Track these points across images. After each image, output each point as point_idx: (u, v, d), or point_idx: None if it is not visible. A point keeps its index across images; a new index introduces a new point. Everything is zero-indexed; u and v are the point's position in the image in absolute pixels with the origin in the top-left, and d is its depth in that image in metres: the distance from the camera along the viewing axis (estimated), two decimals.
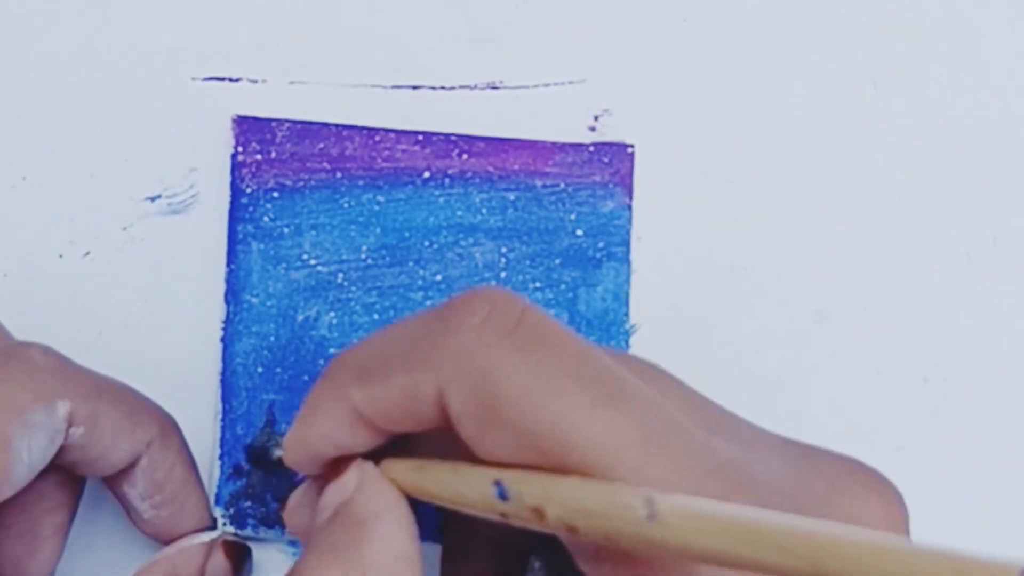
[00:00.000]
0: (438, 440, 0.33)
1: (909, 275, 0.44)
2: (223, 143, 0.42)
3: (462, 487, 0.31)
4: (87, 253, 0.42)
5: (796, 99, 0.44)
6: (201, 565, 0.39)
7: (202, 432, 0.41)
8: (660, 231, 0.44)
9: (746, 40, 0.45)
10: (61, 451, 0.36)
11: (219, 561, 0.40)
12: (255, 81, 0.43)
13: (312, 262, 0.41)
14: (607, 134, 0.43)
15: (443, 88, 0.44)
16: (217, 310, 0.42)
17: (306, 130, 0.42)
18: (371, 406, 0.32)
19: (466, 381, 0.30)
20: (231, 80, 0.43)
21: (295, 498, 0.36)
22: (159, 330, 0.42)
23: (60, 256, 0.42)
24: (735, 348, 0.43)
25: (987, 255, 0.44)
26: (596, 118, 0.44)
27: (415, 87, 0.44)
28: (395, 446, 0.34)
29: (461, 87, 0.44)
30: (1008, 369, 0.43)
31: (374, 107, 0.43)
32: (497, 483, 0.30)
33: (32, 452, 0.35)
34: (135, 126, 0.43)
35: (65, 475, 0.38)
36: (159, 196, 0.43)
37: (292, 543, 0.41)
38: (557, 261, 0.42)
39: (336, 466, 0.34)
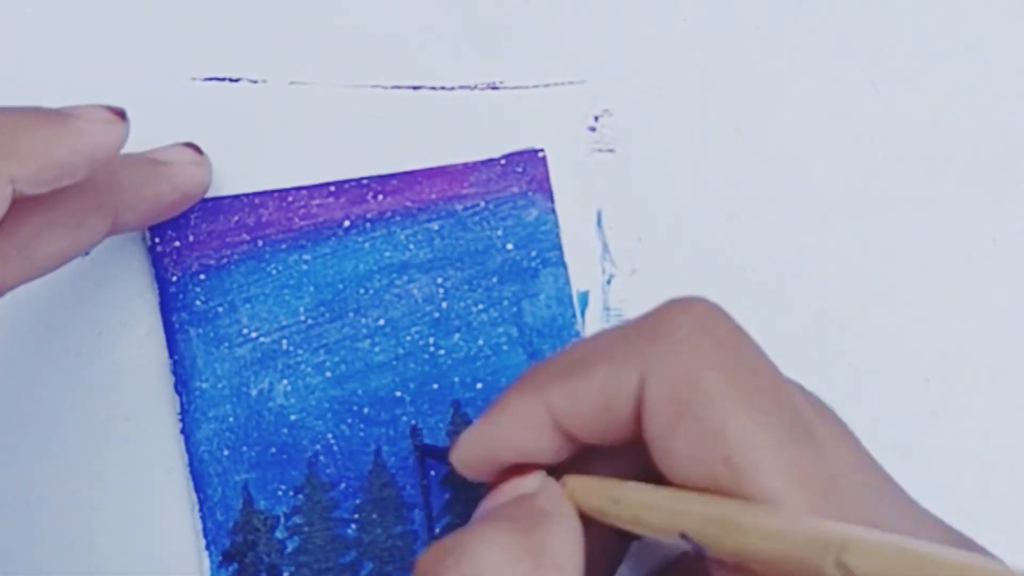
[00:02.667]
0: (615, 458, 0.33)
1: (909, 275, 0.44)
2: (223, 143, 0.42)
3: (648, 525, 0.31)
4: (87, 253, 0.42)
5: (796, 99, 0.44)
6: None
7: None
8: (660, 231, 0.44)
9: (746, 40, 0.44)
10: None
11: None
12: (255, 81, 0.43)
13: (253, 335, 0.41)
14: (606, 135, 0.43)
15: (443, 88, 0.43)
16: (169, 404, 0.41)
17: (217, 206, 0.41)
18: (570, 405, 0.33)
19: (669, 371, 0.31)
20: (231, 80, 0.43)
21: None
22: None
23: None
24: None
25: (987, 255, 0.44)
26: (596, 118, 0.44)
27: (415, 87, 0.43)
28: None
29: (461, 87, 0.43)
30: (1008, 369, 0.44)
31: (374, 107, 0.43)
32: (684, 536, 0.30)
33: None
34: (135, 126, 0.42)
35: None
36: None
37: None
38: (494, 279, 0.42)
39: (510, 473, 0.34)
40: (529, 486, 0.34)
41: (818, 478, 0.30)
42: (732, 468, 0.30)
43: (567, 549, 0.32)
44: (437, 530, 0.41)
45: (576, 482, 0.34)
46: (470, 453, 0.35)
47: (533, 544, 0.31)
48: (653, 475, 0.32)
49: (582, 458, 0.35)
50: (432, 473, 0.41)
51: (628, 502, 0.32)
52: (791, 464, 0.30)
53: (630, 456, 0.34)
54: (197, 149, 0.40)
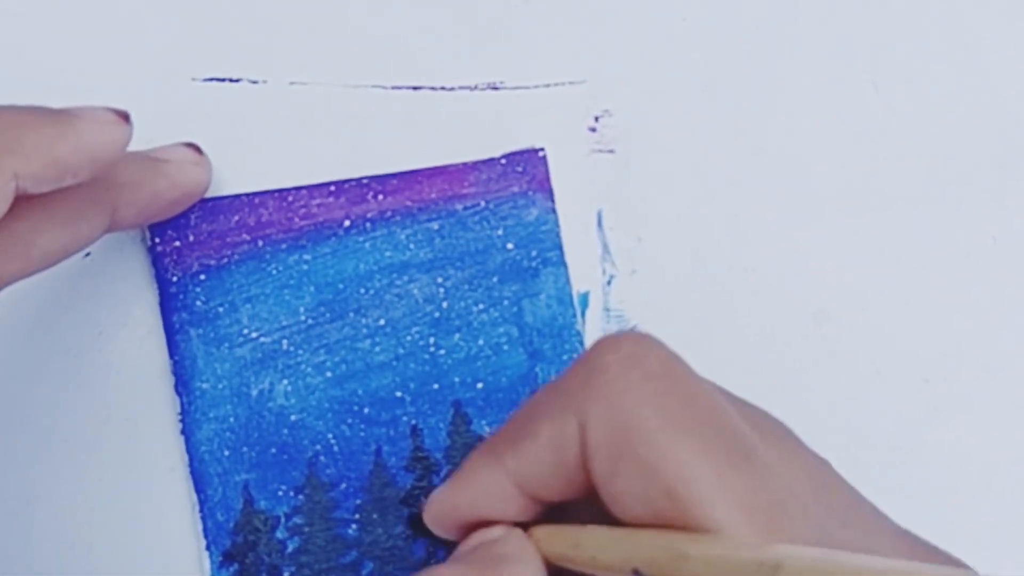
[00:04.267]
0: (582, 511, 0.33)
1: (909, 275, 0.44)
2: (223, 143, 0.42)
3: (605, 564, 0.32)
4: (87, 253, 0.42)
5: (796, 99, 0.44)
6: None
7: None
8: (660, 231, 0.44)
9: (746, 40, 0.44)
10: None
11: None
12: (255, 81, 0.43)
13: (254, 335, 0.41)
14: (607, 135, 0.43)
15: (443, 88, 0.43)
16: (170, 404, 0.41)
17: (217, 206, 0.41)
18: (524, 466, 0.33)
19: (604, 415, 0.31)
20: (231, 80, 0.43)
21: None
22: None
23: None
24: (735, 348, 0.43)
25: (987, 255, 0.44)
26: (596, 118, 0.44)
27: (415, 87, 0.43)
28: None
29: (461, 87, 0.43)
30: (1008, 369, 0.43)
31: (374, 107, 0.43)
32: (636, 572, 0.30)
33: None
34: (136, 126, 0.42)
35: None
36: None
37: None
38: (495, 279, 0.42)
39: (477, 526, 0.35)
40: (494, 533, 0.35)
41: (760, 502, 0.30)
42: (674, 501, 0.30)
43: None
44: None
45: (542, 531, 0.34)
46: (439, 516, 0.36)
47: None
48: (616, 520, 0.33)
49: (553, 514, 0.35)
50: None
51: (585, 545, 0.33)
52: (732, 491, 0.30)
53: (596, 507, 0.34)
54: (197, 149, 0.40)
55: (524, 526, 0.35)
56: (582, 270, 0.43)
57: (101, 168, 0.34)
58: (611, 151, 0.44)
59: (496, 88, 0.44)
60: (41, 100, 0.41)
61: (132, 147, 0.40)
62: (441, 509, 0.36)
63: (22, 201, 0.34)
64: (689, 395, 0.31)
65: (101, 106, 0.35)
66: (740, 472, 0.30)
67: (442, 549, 0.40)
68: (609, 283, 0.43)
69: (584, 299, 0.43)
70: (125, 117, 0.35)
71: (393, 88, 0.43)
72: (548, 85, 0.44)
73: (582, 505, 0.34)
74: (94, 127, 0.34)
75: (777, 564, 0.27)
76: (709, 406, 0.31)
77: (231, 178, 0.42)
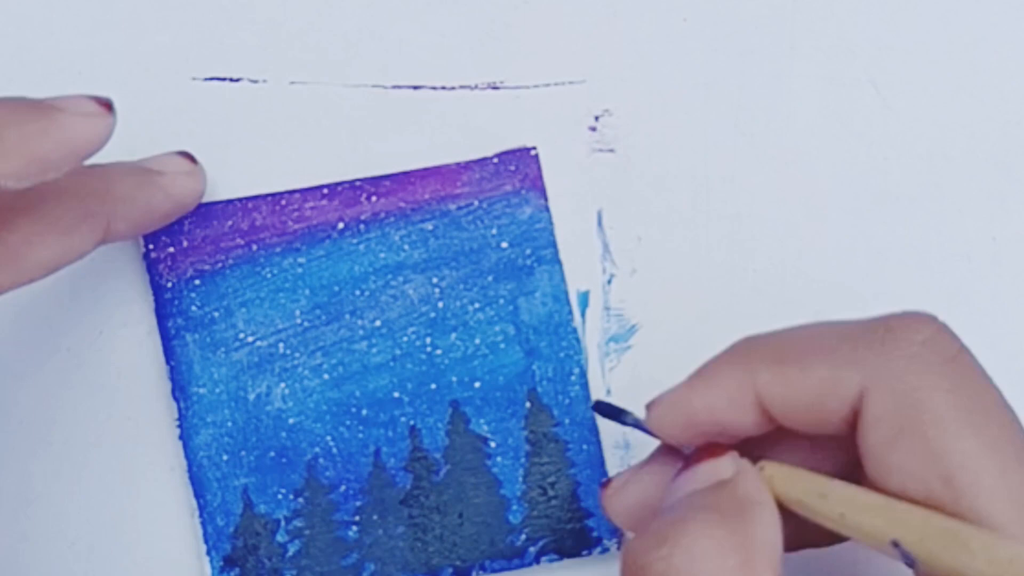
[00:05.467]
0: (817, 450, 0.34)
1: (909, 275, 0.43)
2: (223, 143, 0.42)
3: (857, 527, 0.32)
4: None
5: (796, 99, 0.44)
6: None
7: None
8: (660, 230, 0.43)
9: (746, 40, 0.44)
10: None
11: None
12: (255, 81, 0.43)
13: (250, 339, 0.41)
14: (607, 135, 0.43)
15: (443, 88, 0.43)
16: (168, 409, 0.41)
17: (211, 211, 0.41)
18: (780, 390, 0.33)
19: (895, 388, 0.31)
20: (231, 80, 0.43)
21: (619, 482, 0.37)
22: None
23: None
24: None
25: (987, 255, 0.44)
26: (596, 118, 0.44)
27: (415, 87, 0.43)
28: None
29: (461, 87, 0.44)
30: (1008, 369, 0.43)
31: (374, 107, 0.43)
32: (895, 544, 0.30)
33: None
34: (135, 126, 0.42)
35: None
36: None
37: None
38: (490, 278, 0.42)
39: (703, 453, 0.34)
40: (726, 471, 0.34)
41: None
42: (953, 489, 0.30)
43: (772, 539, 0.32)
44: None
45: (775, 469, 0.34)
46: (667, 415, 0.35)
47: (741, 536, 0.31)
48: (852, 474, 0.33)
49: (777, 438, 0.35)
50: None
51: (836, 499, 0.32)
52: (1014, 491, 0.30)
53: (829, 449, 0.34)
54: (191, 158, 0.40)
55: (745, 448, 0.35)
56: (582, 269, 0.43)
57: (84, 159, 0.34)
58: (611, 151, 0.44)
59: (496, 88, 0.44)
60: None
61: (132, 147, 0.41)
62: (671, 407, 0.35)
63: (14, 210, 0.34)
64: (981, 389, 0.32)
65: (84, 95, 0.34)
66: (1022, 472, 0.30)
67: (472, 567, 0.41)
68: (609, 282, 0.43)
69: (584, 298, 0.43)
70: (108, 106, 0.34)
71: (393, 88, 0.44)
72: (548, 85, 0.44)
73: (813, 442, 0.34)
74: (76, 120, 0.33)
75: None
76: (998, 403, 0.32)
77: (232, 178, 0.42)
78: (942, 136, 0.44)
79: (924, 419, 0.31)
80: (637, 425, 0.38)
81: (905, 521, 0.31)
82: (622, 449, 0.42)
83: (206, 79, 0.43)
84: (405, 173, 0.42)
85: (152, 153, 0.41)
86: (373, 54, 0.44)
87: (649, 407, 0.36)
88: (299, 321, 0.41)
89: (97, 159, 0.41)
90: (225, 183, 0.42)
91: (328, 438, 0.41)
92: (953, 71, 0.45)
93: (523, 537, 0.41)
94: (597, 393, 0.42)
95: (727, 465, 0.34)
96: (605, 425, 0.41)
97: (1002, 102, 0.45)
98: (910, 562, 0.30)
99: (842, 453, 0.34)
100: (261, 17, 0.44)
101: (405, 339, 0.41)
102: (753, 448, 0.35)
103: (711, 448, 0.34)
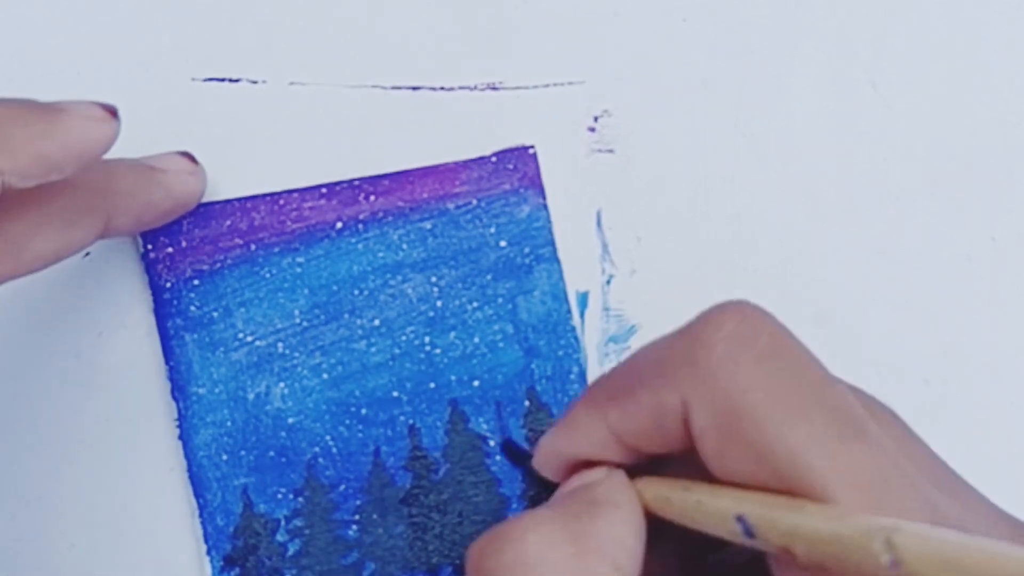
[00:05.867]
0: (683, 464, 0.34)
1: (909, 275, 0.44)
2: (223, 144, 0.42)
3: (705, 519, 0.32)
4: (87, 253, 0.42)
5: (796, 99, 0.44)
6: None
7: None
8: (659, 231, 0.44)
9: (746, 40, 0.44)
10: None
11: None
12: (255, 81, 0.43)
13: (249, 339, 0.41)
14: (606, 135, 0.44)
15: (443, 88, 0.44)
16: (167, 408, 0.41)
17: (209, 211, 0.41)
18: (622, 424, 0.34)
19: (710, 398, 0.31)
20: (231, 80, 0.43)
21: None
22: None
23: None
24: None
25: (987, 255, 0.44)
26: (596, 118, 0.44)
27: (415, 87, 0.43)
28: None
29: (461, 87, 0.44)
30: (1008, 369, 0.43)
31: (374, 108, 0.43)
32: (740, 519, 0.31)
33: None
34: (135, 126, 0.42)
35: None
36: None
37: None
38: (488, 277, 0.42)
39: (575, 468, 0.36)
40: (595, 475, 0.35)
41: (872, 479, 0.30)
42: (786, 482, 0.30)
43: (616, 535, 0.32)
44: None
45: (644, 480, 0.35)
46: (545, 462, 0.37)
47: (577, 530, 0.32)
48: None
49: (652, 464, 0.35)
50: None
51: (695, 489, 0.33)
52: (844, 469, 0.30)
53: (697, 462, 0.34)
54: (192, 158, 0.41)
55: (629, 472, 0.35)
56: (581, 270, 0.43)
57: (88, 163, 0.34)
58: (610, 151, 0.44)
59: (495, 88, 0.44)
60: (41, 98, 0.42)
61: (132, 147, 0.41)
62: (547, 454, 0.37)
63: (14, 200, 0.34)
64: (799, 373, 0.31)
65: (89, 101, 0.35)
66: (851, 450, 0.30)
67: None
68: (608, 283, 0.43)
69: (583, 299, 0.43)
70: (113, 112, 0.35)
71: (393, 88, 0.44)
72: (547, 85, 0.44)
73: (683, 457, 0.34)
74: (81, 123, 0.34)
75: (896, 526, 0.27)
76: (819, 382, 0.31)
77: (232, 178, 0.42)
78: (942, 136, 0.44)
79: (743, 424, 0.31)
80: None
81: (750, 499, 0.31)
82: None
83: (206, 79, 0.43)
84: (403, 172, 0.42)
85: (149, 152, 0.41)
86: (373, 55, 0.44)
87: (532, 455, 0.38)
88: (298, 321, 0.41)
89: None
90: (225, 184, 0.42)
91: (328, 437, 0.41)
92: (953, 71, 0.45)
93: None
94: None
95: (596, 473, 0.35)
96: None
97: (1002, 102, 0.45)
98: (750, 533, 0.30)
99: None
100: (261, 17, 0.44)
101: (404, 338, 0.41)
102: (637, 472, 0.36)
103: (591, 464, 0.36)
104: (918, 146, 0.44)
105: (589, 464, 0.36)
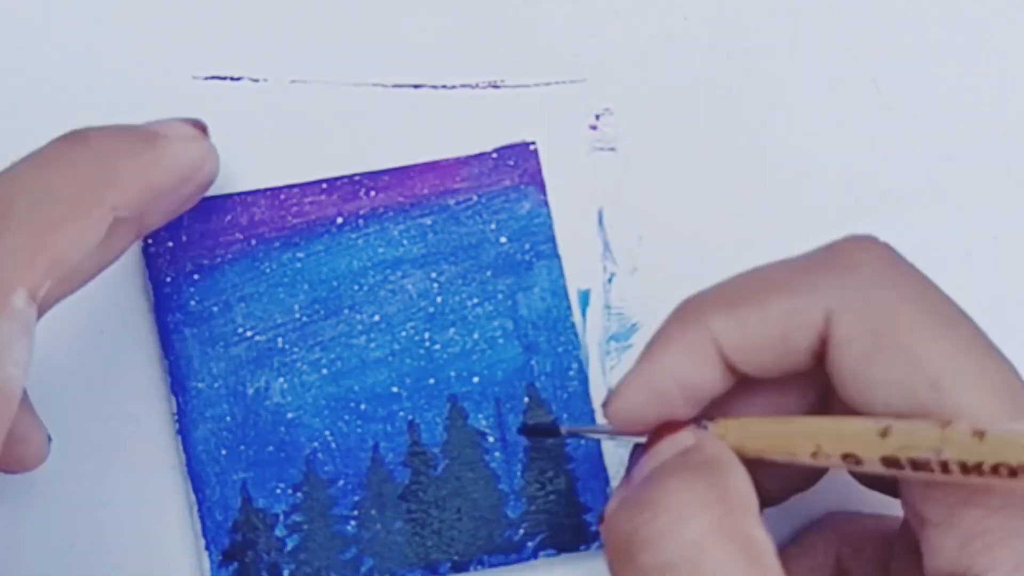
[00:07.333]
0: (761, 403, 0.35)
1: None
2: (225, 142, 0.42)
3: (844, 433, 0.32)
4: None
5: (796, 98, 0.44)
6: None
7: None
8: (660, 230, 0.44)
9: (746, 40, 0.44)
10: None
11: None
12: (255, 81, 0.43)
13: (248, 334, 0.41)
14: (607, 133, 0.44)
15: (444, 86, 0.44)
16: (166, 403, 0.41)
17: (210, 205, 0.41)
18: (738, 334, 0.33)
19: (863, 305, 0.32)
20: (231, 80, 0.43)
21: (613, 503, 0.36)
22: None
23: None
24: None
25: (987, 253, 0.44)
26: (597, 117, 0.44)
27: (416, 87, 0.43)
28: None
29: (462, 85, 0.44)
30: None
31: (375, 106, 0.43)
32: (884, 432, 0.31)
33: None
34: (135, 126, 0.43)
35: None
36: None
37: None
38: (488, 273, 0.42)
39: (659, 433, 0.34)
40: (687, 440, 0.34)
41: (1016, 391, 0.31)
42: (939, 391, 0.31)
43: (747, 491, 0.32)
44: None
45: (727, 425, 0.34)
46: (629, 398, 0.35)
47: (720, 489, 0.31)
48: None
49: (736, 396, 0.35)
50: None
51: (803, 431, 0.33)
52: (995, 383, 0.31)
53: (792, 392, 0.35)
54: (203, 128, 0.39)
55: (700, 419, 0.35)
56: (583, 268, 0.43)
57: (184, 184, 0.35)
58: (612, 149, 0.44)
59: (497, 86, 0.44)
60: (40, 99, 0.42)
61: None
62: (633, 385, 0.34)
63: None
64: (940, 296, 0.33)
65: (180, 119, 0.36)
66: (998, 363, 0.31)
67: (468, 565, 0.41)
68: (610, 281, 0.43)
69: (585, 297, 0.43)
70: (203, 129, 0.37)
71: (394, 87, 0.44)
72: (549, 83, 0.44)
73: (773, 386, 0.35)
74: (180, 146, 0.35)
75: None
76: (957, 306, 0.33)
77: (234, 177, 0.42)
78: (942, 136, 0.44)
79: (898, 330, 0.31)
80: (574, 435, 0.39)
81: (895, 432, 0.31)
82: (621, 447, 0.42)
83: (206, 78, 0.43)
84: (404, 168, 0.42)
85: None
86: (374, 53, 0.44)
87: (606, 403, 0.36)
88: (298, 316, 0.41)
89: None
90: (226, 182, 0.42)
91: (327, 433, 0.41)
92: (953, 71, 0.45)
93: (521, 532, 0.41)
94: (599, 391, 0.42)
95: (687, 436, 0.34)
96: (602, 420, 0.41)
97: (1002, 102, 0.45)
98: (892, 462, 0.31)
99: (808, 392, 0.35)
100: (262, 15, 0.44)
101: (404, 334, 0.41)
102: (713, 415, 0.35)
103: (668, 426, 0.34)
104: (919, 144, 0.44)
105: (664, 426, 0.35)
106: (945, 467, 0.30)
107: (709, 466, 0.32)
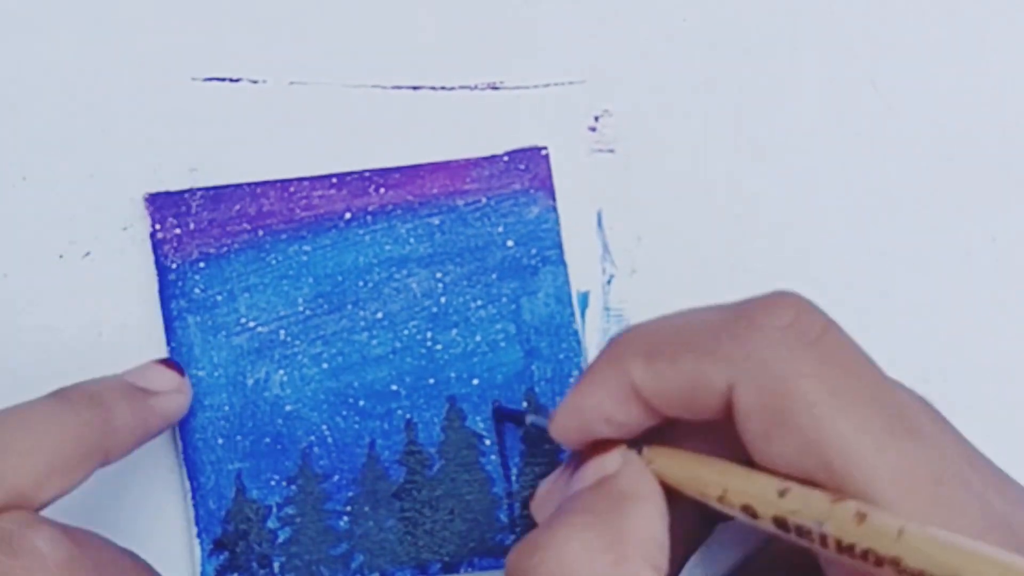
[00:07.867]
0: (697, 436, 0.34)
1: (909, 274, 0.44)
2: (223, 143, 0.42)
3: (747, 486, 0.32)
4: (87, 253, 0.42)
5: (796, 99, 0.44)
6: None
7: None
8: (659, 230, 0.44)
9: (746, 40, 0.44)
10: None
11: None
12: (255, 81, 0.43)
13: (251, 324, 0.41)
14: (607, 135, 0.43)
15: (443, 88, 0.43)
16: None
17: (220, 195, 0.41)
18: (653, 384, 0.33)
19: (762, 380, 0.31)
20: (231, 80, 0.43)
21: (545, 487, 0.37)
22: None
23: (60, 256, 0.42)
24: None
25: (987, 254, 0.44)
26: (596, 118, 0.44)
27: (415, 87, 0.43)
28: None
29: (461, 87, 0.44)
30: (1008, 369, 0.43)
31: (374, 107, 0.43)
32: (782, 493, 0.31)
33: None
34: (135, 126, 0.43)
35: None
36: None
37: None
38: (494, 276, 0.42)
39: (595, 450, 0.35)
40: (611, 465, 0.34)
41: (923, 478, 0.30)
42: (833, 474, 0.30)
43: (649, 530, 0.32)
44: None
45: (658, 452, 0.34)
46: (564, 421, 0.35)
47: (613, 534, 0.31)
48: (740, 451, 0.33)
49: (677, 427, 0.35)
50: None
51: (718, 472, 0.33)
52: (894, 466, 0.30)
53: (725, 433, 0.34)
54: (179, 369, 0.40)
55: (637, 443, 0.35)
56: (582, 270, 0.43)
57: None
58: (611, 151, 0.44)
59: (496, 88, 0.44)
60: (40, 99, 0.42)
61: (133, 148, 0.42)
62: (565, 415, 0.35)
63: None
64: (849, 366, 0.31)
65: (157, 364, 0.40)
66: (904, 446, 0.30)
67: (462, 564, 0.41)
68: (609, 282, 0.43)
69: (584, 298, 0.43)
70: (182, 372, 0.40)
71: (393, 88, 0.43)
72: (548, 85, 0.44)
73: (701, 426, 0.34)
74: (171, 399, 0.39)
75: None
76: (870, 376, 0.31)
77: (232, 177, 0.42)
78: (942, 136, 0.44)
79: (794, 408, 0.31)
80: (535, 425, 0.39)
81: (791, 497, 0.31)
82: None
83: (206, 79, 0.43)
84: (414, 166, 0.42)
85: (148, 152, 0.42)
86: (373, 54, 0.44)
87: (550, 417, 0.36)
88: (301, 309, 0.41)
89: (91, 159, 0.43)
90: (226, 182, 0.42)
91: (324, 427, 0.41)
92: (953, 71, 0.45)
93: (512, 536, 0.41)
94: None
95: (613, 459, 0.34)
96: None
97: (1002, 102, 0.45)
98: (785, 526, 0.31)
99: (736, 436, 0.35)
100: (261, 17, 0.44)
101: (406, 332, 0.41)
102: (654, 439, 0.35)
103: (599, 445, 0.35)
104: (918, 145, 0.44)
105: (598, 446, 0.35)
106: (824, 541, 0.30)
107: (617, 504, 0.33)
